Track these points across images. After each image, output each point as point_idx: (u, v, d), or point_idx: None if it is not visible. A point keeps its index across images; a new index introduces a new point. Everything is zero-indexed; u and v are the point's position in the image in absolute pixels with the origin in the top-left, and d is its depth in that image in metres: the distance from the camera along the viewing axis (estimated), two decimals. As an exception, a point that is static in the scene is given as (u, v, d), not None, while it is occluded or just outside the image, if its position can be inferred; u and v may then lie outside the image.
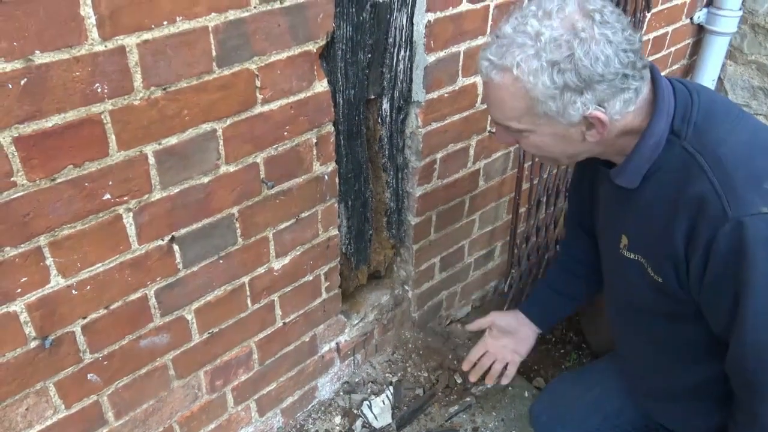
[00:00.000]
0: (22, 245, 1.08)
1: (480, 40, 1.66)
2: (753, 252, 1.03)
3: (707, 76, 2.70)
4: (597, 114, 1.08)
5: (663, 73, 1.25)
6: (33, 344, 1.18)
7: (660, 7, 2.25)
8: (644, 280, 1.25)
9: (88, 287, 1.21)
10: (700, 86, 1.20)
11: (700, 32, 2.60)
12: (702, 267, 1.10)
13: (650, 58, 2.41)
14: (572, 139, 1.15)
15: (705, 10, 2.51)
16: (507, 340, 1.73)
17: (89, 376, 1.31)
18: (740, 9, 2.51)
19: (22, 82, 0.95)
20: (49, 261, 1.13)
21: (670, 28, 2.40)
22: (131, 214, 1.20)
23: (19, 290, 1.11)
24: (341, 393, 2.03)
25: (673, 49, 2.51)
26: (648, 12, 2.14)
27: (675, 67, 2.64)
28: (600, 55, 1.02)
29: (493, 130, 1.89)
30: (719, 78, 2.78)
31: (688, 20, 2.47)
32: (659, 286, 1.22)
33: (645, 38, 2.28)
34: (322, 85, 1.38)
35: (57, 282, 1.16)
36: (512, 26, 1.08)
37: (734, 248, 1.05)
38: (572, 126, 1.11)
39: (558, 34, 1.03)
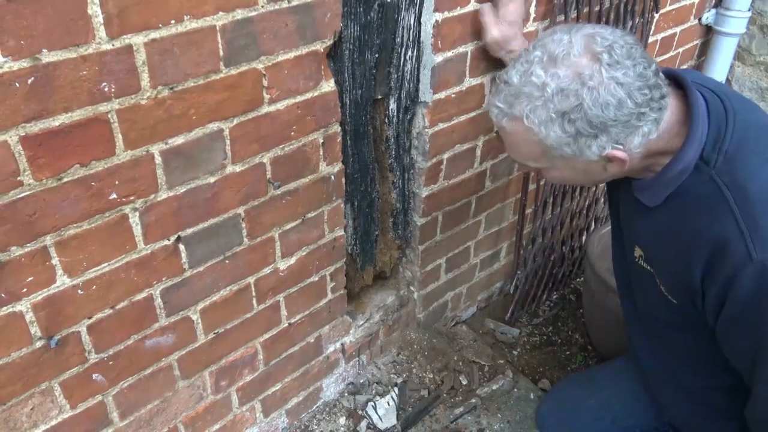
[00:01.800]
0: (28, 245, 1.07)
1: (488, 40, 1.65)
2: None
3: (715, 78, 2.68)
4: (615, 153, 1.05)
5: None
6: (38, 344, 1.18)
7: (668, 8, 2.23)
8: (659, 296, 1.24)
9: (94, 287, 1.20)
10: (736, 101, 1.14)
11: (709, 33, 2.59)
12: (719, 303, 1.08)
13: (658, 59, 2.40)
14: (593, 171, 1.12)
15: (713, 10, 2.49)
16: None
17: (94, 376, 1.30)
18: (749, 10, 2.49)
19: (29, 81, 0.95)
20: (55, 260, 1.12)
21: (678, 29, 2.38)
22: (137, 213, 1.20)
23: (24, 290, 1.11)
24: (346, 394, 2.02)
25: (681, 49, 2.50)
26: (656, 13, 2.12)
27: (683, 68, 2.62)
28: (611, 100, 0.99)
29: (500, 131, 1.88)
30: (727, 79, 2.76)
31: (696, 21, 2.46)
32: (674, 306, 1.21)
33: (653, 39, 2.27)
34: (329, 85, 1.38)
35: (63, 282, 1.15)
36: (519, 74, 1.05)
37: (757, 291, 1.02)
38: (591, 162, 1.09)
39: (565, 85, 1.00)
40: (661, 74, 1.05)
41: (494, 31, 1.53)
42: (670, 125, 1.10)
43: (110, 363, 1.32)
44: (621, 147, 1.05)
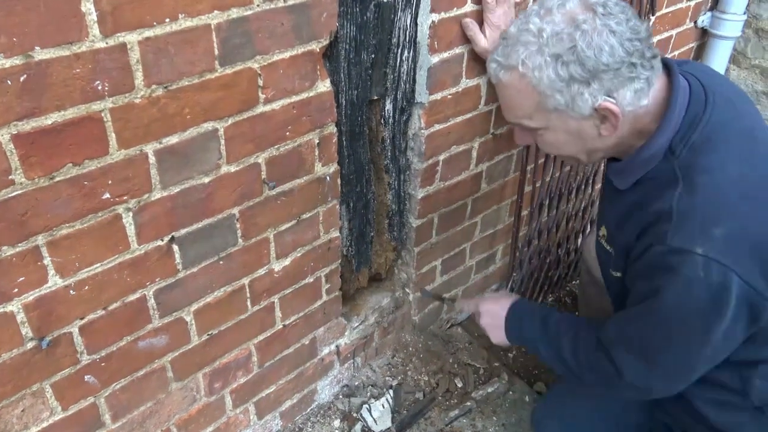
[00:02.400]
0: (19, 244, 1.06)
1: (484, 42, 1.64)
2: (664, 281, 1.10)
3: (710, 81, 2.68)
4: (607, 105, 1.08)
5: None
6: (30, 345, 1.16)
7: (664, 11, 2.24)
8: (609, 274, 1.33)
9: (87, 287, 1.19)
10: (721, 100, 1.17)
11: (704, 36, 2.59)
12: (635, 259, 1.18)
13: (654, 62, 2.40)
14: (587, 134, 1.16)
15: (709, 13, 2.50)
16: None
17: (86, 377, 1.29)
18: (744, 13, 2.50)
19: (22, 79, 0.94)
20: (47, 260, 1.11)
21: (674, 32, 2.39)
22: (131, 213, 1.18)
23: (16, 290, 1.10)
24: (341, 396, 2.01)
25: (677, 52, 2.50)
26: (652, 15, 2.12)
27: (692, 60, 2.62)
28: (603, 45, 1.04)
29: (497, 132, 1.88)
30: (722, 82, 2.77)
31: (692, 24, 2.47)
32: (618, 281, 1.29)
33: (649, 41, 2.27)
34: (325, 85, 1.37)
35: (55, 282, 1.14)
36: (516, 26, 1.11)
37: (654, 267, 1.12)
38: (584, 119, 1.12)
39: (559, 29, 1.05)
40: (653, 40, 1.12)
41: (481, 42, 1.55)
42: (658, 100, 1.14)
43: (102, 364, 1.30)
44: (613, 100, 1.08)
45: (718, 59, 2.61)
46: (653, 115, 1.15)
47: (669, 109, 1.14)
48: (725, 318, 1.09)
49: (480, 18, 1.56)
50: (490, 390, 2.04)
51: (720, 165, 1.11)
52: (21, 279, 1.09)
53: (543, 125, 1.16)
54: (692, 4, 2.37)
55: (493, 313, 1.55)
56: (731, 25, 2.50)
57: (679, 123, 1.14)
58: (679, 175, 1.13)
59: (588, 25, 1.04)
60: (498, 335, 1.54)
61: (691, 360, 1.18)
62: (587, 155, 1.23)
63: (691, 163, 1.13)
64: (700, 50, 2.65)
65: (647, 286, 1.15)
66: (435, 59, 1.55)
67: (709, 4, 2.48)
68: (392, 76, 1.54)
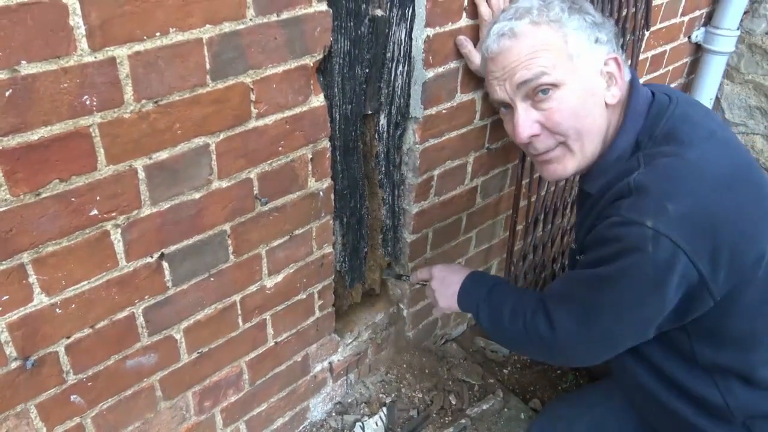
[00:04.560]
0: (3, 262, 1.03)
1: (479, 56, 1.63)
2: (613, 249, 1.13)
3: (705, 95, 2.69)
4: (614, 55, 1.23)
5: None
6: (14, 365, 1.13)
7: (659, 26, 2.24)
8: (575, 262, 1.40)
9: (73, 306, 1.16)
10: (683, 100, 1.27)
11: (698, 51, 2.60)
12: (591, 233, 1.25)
13: (648, 77, 2.40)
14: (596, 97, 1.23)
15: (703, 29, 2.50)
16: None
17: (72, 397, 1.26)
18: (738, 28, 2.51)
19: (7, 94, 0.91)
20: (33, 279, 1.08)
21: (668, 47, 2.39)
22: (119, 230, 1.16)
23: (0, 309, 1.07)
24: (333, 414, 1.98)
25: (671, 67, 2.51)
26: (647, 30, 2.12)
27: (673, 85, 2.63)
28: (593, 9, 1.24)
29: (492, 147, 1.86)
30: (717, 97, 2.77)
31: (686, 39, 2.47)
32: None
33: (643, 56, 2.28)
34: (318, 100, 1.35)
35: (40, 300, 1.11)
36: (514, 5, 1.27)
37: (605, 237, 1.16)
38: (596, 76, 1.23)
39: None
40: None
41: (476, 59, 1.54)
42: (625, 96, 1.27)
43: (89, 384, 1.27)
44: (615, 55, 1.24)
45: (712, 74, 2.62)
46: (622, 108, 1.26)
47: (629, 110, 1.24)
48: (663, 295, 1.11)
49: (474, 34, 1.55)
50: (485, 407, 2.01)
51: (681, 150, 1.16)
52: (5, 297, 1.06)
53: (562, 79, 1.20)
54: (686, 19, 2.38)
55: (447, 278, 1.56)
56: (725, 41, 2.51)
57: (641, 124, 1.23)
58: (641, 162, 1.19)
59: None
60: (447, 300, 1.55)
61: (620, 328, 1.21)
62: (585, 136, 1.26)
63: (654, 152, 1.19)
64: (694, 65, 2.65)
65: (598, 254, 1.18)
66: (430, 74, 1.54)
67: (703, 20, 2.49)
68: (386, 91, 1.53)
